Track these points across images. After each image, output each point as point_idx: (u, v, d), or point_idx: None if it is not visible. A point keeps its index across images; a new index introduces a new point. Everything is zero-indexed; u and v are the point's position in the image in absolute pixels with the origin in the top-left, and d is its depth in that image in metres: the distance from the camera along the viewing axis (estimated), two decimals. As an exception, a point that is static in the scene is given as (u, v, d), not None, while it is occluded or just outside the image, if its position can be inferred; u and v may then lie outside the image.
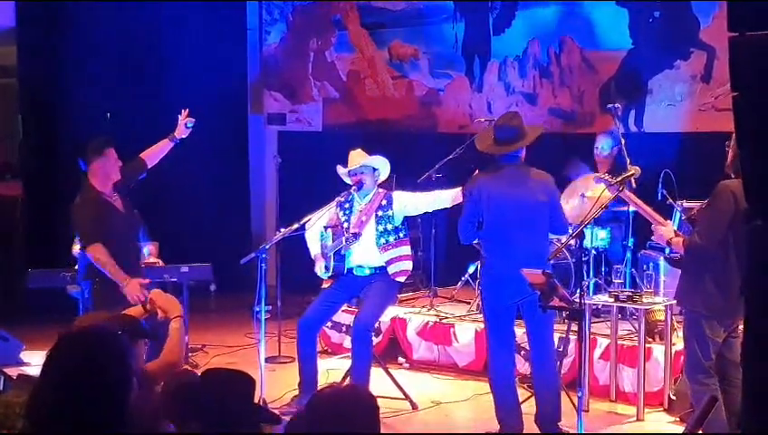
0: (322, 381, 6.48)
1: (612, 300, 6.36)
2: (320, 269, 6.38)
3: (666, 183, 5.72)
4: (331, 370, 6.99)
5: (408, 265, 6.39)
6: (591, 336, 6.56)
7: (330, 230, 6.37)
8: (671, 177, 5.70)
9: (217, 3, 10.12)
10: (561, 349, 6.54)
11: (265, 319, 6.22)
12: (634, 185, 5.82)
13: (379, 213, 6.31)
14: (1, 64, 9.85)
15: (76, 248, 7.00)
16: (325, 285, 6.46)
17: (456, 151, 7.46)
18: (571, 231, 5.68)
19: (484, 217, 5.52)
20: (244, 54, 10.95)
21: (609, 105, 6.76)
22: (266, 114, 11.07)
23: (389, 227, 6.29)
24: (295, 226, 6.24)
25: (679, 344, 6.02)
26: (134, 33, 9.73)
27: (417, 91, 10.15)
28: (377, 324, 7.06)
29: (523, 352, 6.48)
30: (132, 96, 9.67)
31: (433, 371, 7.35)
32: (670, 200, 5.63)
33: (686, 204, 5.63)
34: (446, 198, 6.21)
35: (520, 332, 5.90)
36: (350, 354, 6.73)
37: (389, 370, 6.62)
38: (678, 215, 5.59)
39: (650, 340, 6.41)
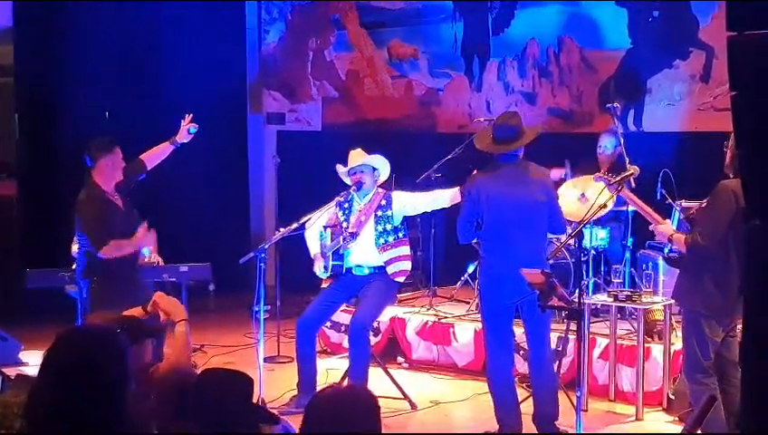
0: (322, 381, 6.48)
1: (611, 300, 6.36)
2: (319, 269, 6.38)
3: (665, 183, 5.71)
4: (331, 370, 6.99)
5: (407, 265, 6.39)
6: (590, 336, 6.56)
7: (329, 230, 6.37)
8: (670, 176, 5.70)
9: (216, 2, 10.11)
10: (560, 348, 6.54)
11: (264, 319, 6.22)
12: (633, 184, 5.82)
13: (379, 213, 6.31)
14: (-2, 63, 9.85)
15: (75, 248, 7.00)
16: (324, 285, 6.46)
17: (456, 151, 7.46)
18: (569, 230, 5.69)
19: (483, 216, 5.52)
20: (243, 54, 10.94)
21: (609, 105, 6.76)
22: (265, 114, 11.07)
23: (389, 227, 6.29)
24: (294, 225, 6.24)
25: (678, 344, 6.02)
26: (133, 32, 9.73)
27: (417, 90, 10.15)
28: (376, 324, 7.06)
29: (522, 352, 6.48)
30: (131, 95, 9.66)
31: (432, 370, 7.35)
32: (669, 200, 5.62)
33: (684, 203, 5.63)
34: (446, 198, 6.21)
35: (519, 331, 5.90)
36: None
37: (389, 369, 6.62)
38: (677, 214, 5.58)
39: (649, 339, 6.42)
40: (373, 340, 6.97)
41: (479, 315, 6.29)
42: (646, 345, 6.30)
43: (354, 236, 6.24)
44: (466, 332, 7.21)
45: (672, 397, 6.19)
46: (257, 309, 6.16)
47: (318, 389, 6.15)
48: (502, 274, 5.44)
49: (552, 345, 6.13)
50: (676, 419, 6.04)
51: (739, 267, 4.68)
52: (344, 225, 6.34)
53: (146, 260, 7.03)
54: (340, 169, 6.40)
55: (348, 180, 6.39)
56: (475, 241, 5.79)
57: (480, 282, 5.94)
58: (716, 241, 4.80)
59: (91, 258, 5.82)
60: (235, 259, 6.27)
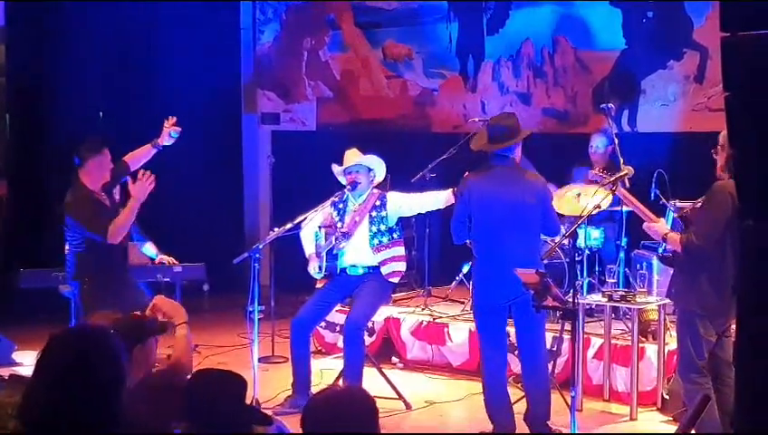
0: (316, 381, 6.48)
1: (606, 300, 6.37)
2: (313, 269, 6.38)
3: (659, 183, 5.72)
4: (325, 370, 6.98)
5: (402, 266, 6.39)
6: (585, 336, 6.56)
7: (323, 230, 6.37)
8: (664, 176, 5.71)
9: (211, 2, 10.10)
10: (554, 348, 6.55)
11: (259, 319, 6.21)
12: (627, 184, 5.84)
13: (373, 213, 6.31)
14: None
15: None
16: (319, 285, 6.46)
17: (450, 151, 7.46)
18: (564, 230, 5.70)
19: (474, 217, 5.53)
20: (238, 54, 10.94)
21: (603, 105, 6.77)
22: (260, 114, 11.06)
23: (383, 227, 6.29)
24: (289, 225, 6.24)
25: (672, 344, 6.04)
26: (127, 32, 9.71)
27: (411, 90, 10.15)
28: (370, 324, 7.06)
29: (516, 352, 6.48)
30: (125, 96, 9.65)
31: (427, 370, 7.35)
32: (663, 200, 5.63)
33: (678, 203, 5.63)
34: (440, 199, 6.21)
35: (513, 331, 5.90)
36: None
37: (383, 370, 6.62)
38: (671, 214, 5.59)
39: (643, 339, 6.43)
40: (368, 340, 6.96)
41: (473, 316, 6.30)
42: (640, 345, 6.31)
43: (346, 236, 6.24)
44: (461, 332, 7.21)
45: (666, 397, 6.20)
46: (251, 309, 6.16)
47: (312, 389, 6.19)
48: (493, 274, 5.45)
49: (547, 345, 6.14)
50: (671, 418, 6.05)
51: (734, 268, 4.69)
52: (339, 225, 6.34)
53: (156, 262, 7.02)
54: (336, 168, 6.40)
55: (343, 180, 6.39)
56: (468, 241, 5.79)
57: (473, 282, 5.95)
58: (712, 241, 4.81)
59: (80, 259, 5.80)
60: (230, 259, 6.27)
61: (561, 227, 5.79)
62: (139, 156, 6.15)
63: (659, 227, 5.18)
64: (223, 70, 10.39)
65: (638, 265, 6.94)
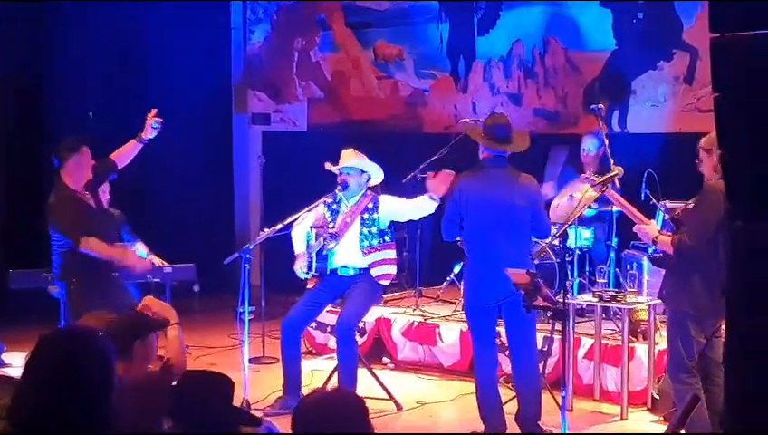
0: (307, 382, 6.47)
1: (596, 300, 6.38)
2: (299, 268, 6.36)
3: (649, 183, 5.74)
4: (316, 370, 6.98)
5: (392, 269, 6.36)
6: (575, 336, 6.57)
7: (314, 230, 6.37)
8: (654, 177, 5.72)
9: (201, 2, 10.09)
10: (545, 348, 6.56)
11: (249, 320, 6.21)
12: (618, 185, 5.85)
13: (365, 215, 6.30)
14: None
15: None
16: (310, 286, 6.45)
17: (441, 152, 7.47)
18: (555, 231, 5.71)
19: (466, 217, 5.54)
20: (229, 54, 10.92)
21: (593, 106, 6.77)
22: (251, 114, 11.04)
23: (374, 230, 6.28)
24: (279, 226, 6.23)
25: (662, 344, 6.05)
26: (117, 32, 9.69)
27: (403, 91, 10.15)
28: (361, 324, 7.06)
29: (507, 352, 6.48)
30: (115, 95, 9.62)
31: (418, 371, 7.35)
32: (653, 200, 5.64)
33: (669, 204, 5.65)
34: (425, 208, 6.17)
35: (504, 331, 5.90)
36: (334, 355, 6.72)
37: (374, 370, 6.61)
38: (662, 215, 5.61)
39: (634, 339, 6.44)
40: (359, 340, 6.96)
41: (465, 316, 6.30)
42: (630, 345, 6.32)
43: (335, 237, 6.24)
44: (452, 332, 7.22)
45: (656, 397, 6.22)
46: (242, 310, 6.15)
47: (303, 390, 6.18)
48: (485, 274, 5.46)
49: (538, 346, 6.14)
50: (661, 418, 6.06)
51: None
52: (330, 226, 6.34)
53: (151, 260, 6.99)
54: (330, 166, 6.38)
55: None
56: (459, 239, 5.80)
57: (464, 282, 5.96)
58: (704, 241, 4.82)
59: (65, 259, 5.77)
60: (220, 260, 6.26)
61: (552, 228, 5.80)
62: (126, 152, 6.10)
63: (650, 229, 5.19)
64: (213, 70, 10.38)
65: (629, 266, 6.95)
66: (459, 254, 6.80)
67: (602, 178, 5.36)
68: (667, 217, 5.44)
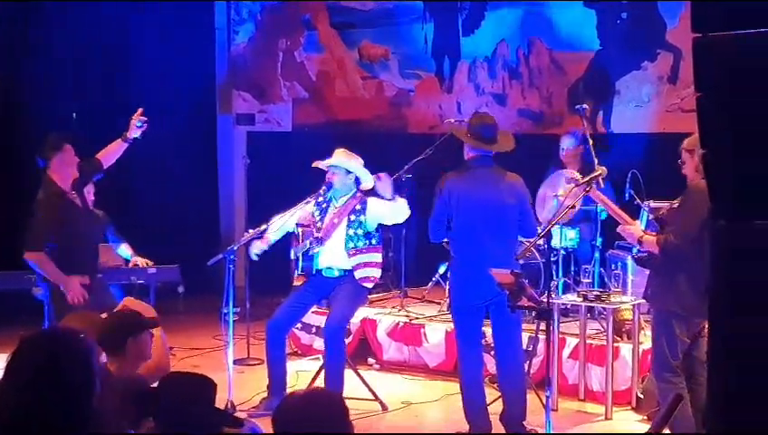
0: (292, 383, 6.46)
1: (581, 299, 6.40)
2: (254, 250, 6.34)
3: (633, 183, 5.75)
4: (301, 371, 6.96)
5: (376, 272, 6.34)
6: (560, 336, 6.59)
7: (301, 229, 6.37)
8: (638, 177, 5.74)
9: (185, 2, 10.05)
10: (530, 348, 6.57)
11: (234, 321, 6.19)
12: (602, 185, 5.85)
13: (352, 217, 6.29)
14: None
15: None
16: (297, 283, 6.43)
17: (426, 152, 7.46)
18: (540, 231, 5.72)
19: (453, 217, 5.54)
20: (213, 54, 10.89)
21: (578, 106, 6.80)
22: (235, 114, 11.01)
23: (360, 232, 6.27)
24: (264, 226, 6.22)
25: (647, 343, 6.07)
26: (101, 32, 9.65)
27: (387, 91, 10.15)
28: (347, 326, 7.05)
29: (493, 352, 6.49)
30: (99, 96, 9.58)
31: (403, 371, 7.34)
32: (638, 200, 5.66)
33: (653, 204, 5.67)
34: (401, 208, 6.18)
35: (489, 331, 5.91)
36: (320, 356, 6.72)
37: (359, 371, 6.61)
38: (646, 215, 5.62)
39: (618, 339, 6.46)
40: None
41: (450, 316, 6.31)
42: (615, 345, 6.34)
43: (320, 241, 6.24)
44: (437, 332, 7.22)
45: (641, 396, 6.24)
46: (226, 311, 6.13)
47: (288, 391, 6.16)
48: (471, 274, 5.46)
49: (523, 345, 6.15)
50: (645, 417, 6.08)
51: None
52: (318, 225, 6.33)
53: (131, 264, 6.98)
54: (318, 163, 6.37)
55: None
56: (445, 240, 5.80)
57: (450, 282, 5.96)
58: (689, 241, 4.83)
59: (51, 259, 5.75)
60: (205, 261, 6.24)
61: (538, 227, 5.81)
62: (111, 152, 6.08)
63: (634, 229, 5.20)
64: (198, 70, 10.35)
65: (613, 266, 6.97)
66: (444, 254, 6.80)
67: (586, 179, 5.37)
68: (651, 217, 5.45)
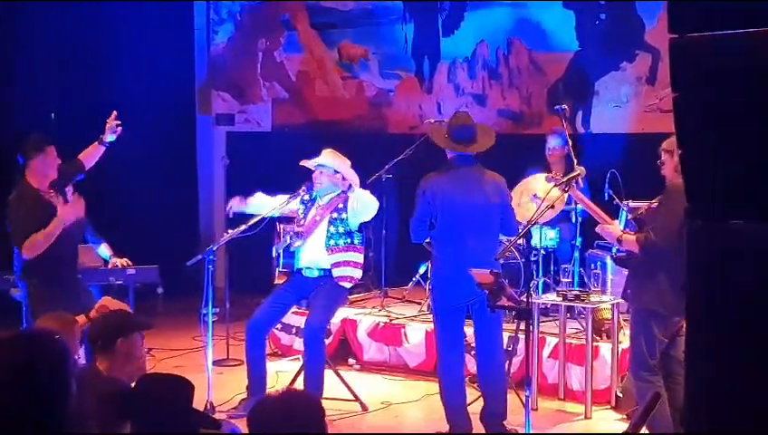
0: (272, 383, 6.44)
1: (560, 299, 6.42)
2: (231, 204, 6.38)
3: (612, 183, 5.78)
4: (281, 372, 6.95)
5: (355, 272, 6.32)
6: (540, 335, 6.61)
7: (282, 226, 6.39)
8: (617, 177, 5.76)
9: (164, 2, 10.01)
10: (510, 348, 6.58)
11: (213, 321, 6.17)
12: (581, 185, 5.88)
13: (334, 215, 6.29)
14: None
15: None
16: (278, 281, 6.42)
17: (406, 152, 7.48)
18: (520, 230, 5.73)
19: (437, 217, 5.54)
20: (192, 54, 10.85)
21: (557, 106, 6.81)
22: (215, 115, 10.98)
23: (341, 229, 6.26)
24: (243, 227, 6.20)
25: (626, 342, 6.09)
26: (80, 33, 9.59)
27: (367, 91, 10.14)
28: (327, 326, 7.04)
29: (473, 352, 6.50)
30: (78, 97, 9.51)
31: (383, 371, 7.34)
32: (617, 200, 5.68)
33: (632, 204, 5.69)
34: (368, 198, 6.21)
35: (470, 331, 5.92)
36: (300, 357, 6.71)
37: (339, 371, 6.60)
38: (624, 214, 5.65)
39: (597, 338, 6.48)
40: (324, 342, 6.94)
41: (431, 316, 6.31)
42: (594, 344, 6.36)
43: (300, 236, 6.24)
44: (418, 332, 7.22)
45: (620, 395, 6.27)
46: (205, 312, 6.11)
47: (268, 392, 6.15)
48: (454, 274, 5.46)
49: (504, 345, 6.16)
50: (625, 416, 6.10)
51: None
52: (302, 222, 6.34)
53: (110, 265, 6.94)
54: (305, 162, 6.37)
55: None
56: (426, 241, 5.80)
57: (432, 281, 5.96)
58: (669, 239, 4.85)
59: (27, 259, 5.72)
60: (184, 261, 6.21)
61: (519, 226, 5.83)
62: (91, 154, 6.11)
63: (613, 229, 5.22)
64: (177, 70, 10.30)
65: (593, 265, 7.00)
66: (424, 254, 6.80)
67: (564, 179, 5.39)
68: (630, 216, 5.48)
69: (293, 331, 7.61)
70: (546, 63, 9.03)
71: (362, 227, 6.40)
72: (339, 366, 6.80)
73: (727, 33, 2.26)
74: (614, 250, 5.40)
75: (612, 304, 6.36)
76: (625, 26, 8.58)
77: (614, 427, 6.02)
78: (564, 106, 6.79)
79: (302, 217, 6.37)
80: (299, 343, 7.26)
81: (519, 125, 9.22)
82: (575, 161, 5.90)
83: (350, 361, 7.47)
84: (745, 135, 2.28)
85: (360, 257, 6.36)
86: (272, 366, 6.70)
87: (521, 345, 6.55)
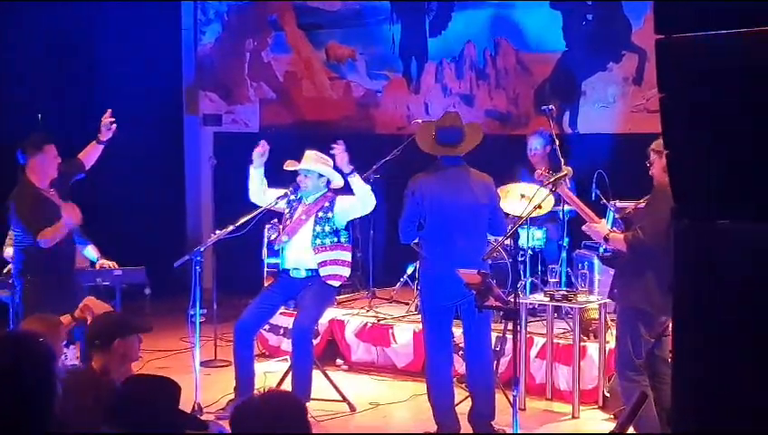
0: (259, 384, 6.42)
1: (548, 299, 6.43)
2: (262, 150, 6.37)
3: (599, 183, 5.79)
4: (269, 373, 6.93)
5: (344, 271, 6.32)
6: (528, 335, 6.62)
7: (267, 226, 6.39)
8: (604, 177, 5.78)
9: (151, 2, 9.97)
10: (498, 348, 6.59)
11: (201, 322, 6.16)
12: (568, 185, 5.89)
13: (320, 214, 6.29)
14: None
15: (8, 251, 6.87)
16: (266, 283, 6.42)
17: (394, 152, 7.47)
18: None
19: (426, 217, 5.54)
20: (179, 55, 10.81)
21: (544, 107, 6.83)
22: (202, 115, 10.95)
23: (327, 229, 6.26)
24: (231, 227, 6.19)
25: (613, 342, 6.10)
26: (66, 33, 9.54)
27: (355, 92, 10.13)
28: (315, 327, 7.03)
29: (461, 353, 6.51)
30: (65, 97, 9.48)
31: (371, 372, 7.34)
32: (603, 200, 5.70)
33: (619, 203, 5.71)
34: (367, 194, 6.18)
35: (458, 332, 5.93)
36: (287, 357, 6.70)
37: (327, 372, 6.59)
38: (611, 214, 5.67)
39: (585, 338, 6.50)
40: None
41: (418, 316, 6.32)
42: (582, 344, 6.38)
43: (285, 232, 6.25)
44: (406, 333, 7.22)
45: (608, 395, 6.28)
46: (193, 313, 6.10)
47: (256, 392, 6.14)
48: (442, 274, 5.47)
49: (491, 345, 6.17)
50: (612, 416, 6.12)
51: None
52: (288, 222, 6.33)
53: (97, 266, 6.94)
54: (289, 165, 6.36)
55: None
56: (415, 242, 5.80)
57: (421, 282, 5.96)
58: (657, 237, 4.86)
59: (27, 256, 5.84)
60: (171, 262, 6.20)
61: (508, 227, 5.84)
62: (90, 153, 6.26)
63: (600, 227, 5.24)
64: (164, 71, 10.27)
65: (580, 265, 7.01)
66: (412, 254, 6.81)
67: (552, 179, 5.40)
68: (617, 216, 5.49)
69: (281, 332, 7.60)
70: (533, 64, 9.04)
71: (349, 225, 6.40)
72: (327, 367, 6.80)
73: (713, 34, 2.27)
74: (601, 250, 5.41)
75: (599, 304, 6.38)
76: (612, 27, 8.59)
77: (601, 427, 6.03)
78: (551, 106, 6.81)
79: (287, 216, 6.37)
80: (287, 344, 7.25)
81: (506, 125, 9.22)
82: (562, 161, 5.92)
83: (338, 361, 7.46)
84: (732, 135, 2.29)
85: (347, 256, 6.35)
86: (260, 367, 6.69)
87: (508, 345, 6.56)
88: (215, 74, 10.88)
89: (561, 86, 8.84)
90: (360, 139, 9.62)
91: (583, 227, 5.38)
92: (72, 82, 9.60)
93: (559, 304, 6.48)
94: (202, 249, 6.19)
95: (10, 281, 6.68)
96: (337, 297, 7.12)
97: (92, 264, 7.07)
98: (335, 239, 6.27)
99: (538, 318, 7.00)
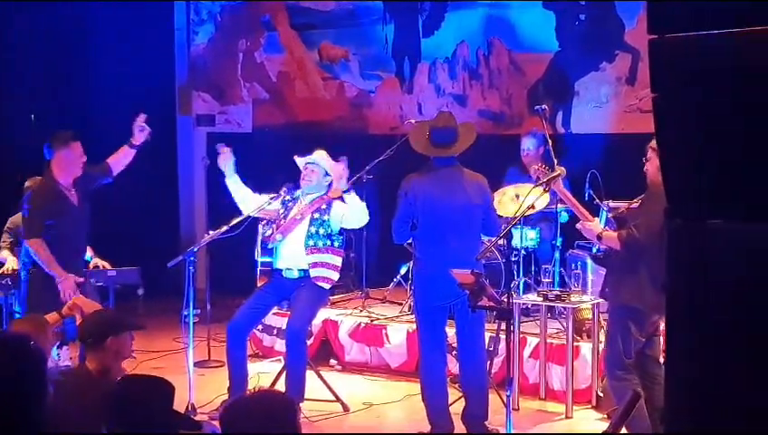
0: (253, 384, 6.43)
1: (541, 299, 6.44)
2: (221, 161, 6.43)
3: (592, 183, 5.80)
4: (262, 373, 6.92)
5: (332, 274, 6.28)
6: (521, 335, 6.63)
7: (261, 224, 6.39)
8: (597, 177, 5.79)
9: (144, 2, 9.96)
10: (491, 348, 6.59)
11: (194, 323, 6.15)
12: (561, 185, 5.89)
13: (316, 215, 6.28)
14: None
15: (3, 254, 6.88)
16: (260, 284, 6.41)
17: (387, 153, 7.46)
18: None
19: (419, 217, 5.54)
20: (172, 55, 10.80)
21: (537, 107, 6.84)
22: (195, 115, 10.94)
23: (321, 231, 6.25)
24: (224, 228, 6.19)
25: (606, 342, 6.12)
26: (59, 33, 9.53)
27: (348, 92, 10.13)
28: (309, 327, 7.03)
29: (454, 353, 6.51)
30: (58, 97, 9.46)
31: (365, 372, 7.34)
32: (597, 200, 5.71)
33: (612, 203, 5.72)
34: (362, 211, 6.18)
35: (451, 332, 5.93)
36: (281, 358, 6.69)
37: (321, 372, 6.59)
38: (605, 214, 5.67)
39: (578, 338, 6.50)
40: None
41: (412, 316, 6.32)
42: (575, 344, 6.38)
43: (279, 231, 6.25)
44: (399, 333, 7.22)
45: (601, 395, 6.29)
46: (186, 313, 6.09)
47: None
48: (436, 274, 5.46)
49: (485, 345, 6.17)
50: (605, 416, 6.12)
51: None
52: (282, 222, 6.33)
53: (90, 266, 6.95)
54: (298, 158, 6.37)
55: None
56: (408, 242, 5.80)
57: (414, 282, 5.96)
58: (652, 236, 4.87)
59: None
60: (165, 262, 6.19)
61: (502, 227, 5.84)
62: (119, 158, 6.29)
63: (594, 226, 5.25)
64: (157, 71, 10.25)
65: (573, 265, 7.02)
66: (405, 255, 6.81)
67: (545, 179, 5.41)
68: (610, 215, 5.50)
69: (275, 332, 7.59)
70: (526, 64, 9.06)
71: (343, 229, 6.39)
72: (320, 367, 6.80)
73: (706, 34, 2.27)
74: (594, 250, 5.42)
75: (593, 304, 6.39)
76: (605, 27, 8.61)
77: (595, 426, 6.04)
78: (544, 106, 6.82)
79: (282, 215, 6.36)
80: (280, 345, 7.25)
81: (499, 126, 9.23)
82: (555, 162, 5.93)
83: (332, 362, 7.46)
84: (724, 135, 2.29)
85: (338, 260, 6.33)
86: (253, 367, 6.68)
87: (502, 345, 6.55)
88: (208, 75, 10.87)
89: (555, 86, 8.85)
90: (353, 139, 9.63)
91: (577, 225, 5.39)
92: (65, 83, 9.58)
93: (552, 304, 6.48)
94: (195, 250, 6.18)
95: (3, 282, 6.69)
96: (330, 298, 7.11)
97: (86, 264, 7.06)
98: (328, 243, 6.26)
99: (531, 318, 7.00)
